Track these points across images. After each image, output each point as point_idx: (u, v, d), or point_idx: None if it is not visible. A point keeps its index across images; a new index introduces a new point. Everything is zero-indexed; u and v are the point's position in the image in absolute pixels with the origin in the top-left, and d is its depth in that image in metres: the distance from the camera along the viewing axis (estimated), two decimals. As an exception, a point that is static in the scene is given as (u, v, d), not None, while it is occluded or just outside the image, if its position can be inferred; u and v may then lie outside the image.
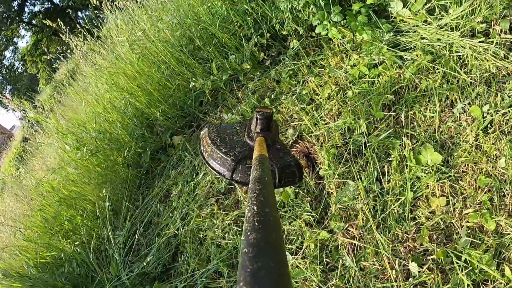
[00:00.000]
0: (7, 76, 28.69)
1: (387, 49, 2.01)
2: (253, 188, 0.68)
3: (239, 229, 1.91)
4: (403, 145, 1.68)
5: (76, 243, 2.46)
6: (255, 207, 0.58)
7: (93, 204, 2.73)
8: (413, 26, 2.05)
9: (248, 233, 0.49)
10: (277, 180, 1.36)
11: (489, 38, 1.78)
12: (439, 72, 1.80)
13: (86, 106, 3.15)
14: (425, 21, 2.02)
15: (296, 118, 2.06)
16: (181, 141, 2.68)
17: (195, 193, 2.27)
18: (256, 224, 0.52)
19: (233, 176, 1.36)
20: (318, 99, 2.09)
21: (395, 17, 2.11)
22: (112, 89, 2.95)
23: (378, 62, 2.02)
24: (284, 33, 2.50)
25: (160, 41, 2.83)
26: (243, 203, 1.99)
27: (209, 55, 2.72)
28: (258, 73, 2.56)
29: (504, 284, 1.22)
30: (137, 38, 2.90)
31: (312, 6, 2.26)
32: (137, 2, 3.60)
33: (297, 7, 2.31)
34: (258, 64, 2.61)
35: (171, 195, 2.43)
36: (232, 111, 2.48)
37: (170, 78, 2.76)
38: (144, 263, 2.14)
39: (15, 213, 3.44)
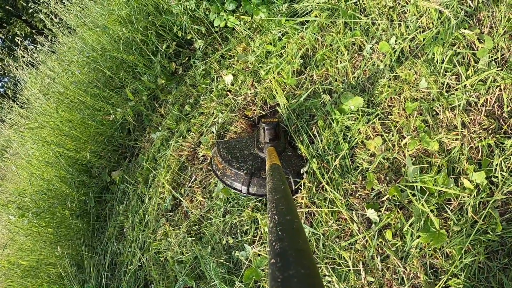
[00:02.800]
0: None
1: (286, 19, 1.91)
2: (271, 199, 0.68)
3: (194, 238, 1.74)
4: (324, 102, 1.57)
5: (51, 312, 2.21)
6: (276, 217, 0.57)
7: (55, 265, 2.47)
8: (305, -10, 1.97)
9: (273, 244, 0.48)
10: (293, 187, 1.35)
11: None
12: (339, 23, 1.71)
13: (18, 171, 2.88)
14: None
15: (217, 114, 1.93)
16: (120, 175, 2.48)
17: (146, 220, 2.07)
18: (280, 233, 0.51)
19: (249, 189, 1.36)
20: (233, 89, 1.96)
21: (287, -12, 2.04)
22: (39, 145, 2.71)
23: (281, 35, 1.92)
24: (189, 37, 2.37)
25: (72, 83, 2.63)
26: (191, 211, 1.82)
27: (122, 82, 2.54)
28: (174, 84, 2.41)
29: (468, 196, 1.10)
30: (49, 87, 2.68)
31: (205, 3, 2.15)
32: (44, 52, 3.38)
33: (191, 8, 2.19)
34: (172, 76, 2.46)
35: (125, 230, 2.22)
36: (159, 128, 2.31)
37: (91, 117, 2.56)
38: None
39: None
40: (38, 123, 2.72)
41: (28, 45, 3.33)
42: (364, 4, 1.69)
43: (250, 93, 1.85)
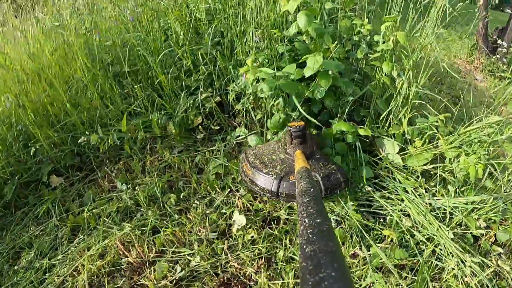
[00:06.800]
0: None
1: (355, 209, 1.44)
2: (300, 202, 0.71)
3: None
4: None
5: None
6: (306, 220, 0.59)
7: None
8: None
9: (304, 247, 0.50)
10: (323, 189, 1.40)
11: None
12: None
13: None
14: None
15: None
16: (60, 185, 2.03)
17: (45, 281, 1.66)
18: (310, 236, 0.53)
19: (279, 194, 1.40)
20: (237, 235, 1.50)
21: None
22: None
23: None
24: (238, 108, 1.87)
25: (85, 43, 2.12)
26: None
27: (134, 93, 2.04)
28: (182, 145, 1.92)
29: None
30: (60, 24, 2.16)
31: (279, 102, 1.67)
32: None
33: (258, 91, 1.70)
34: (187, 132, 1.96)
35: (19, 261, 1.81)
36: (129, 184, 1.87)
37: (78, 95, 2.07)
38: None
39: None
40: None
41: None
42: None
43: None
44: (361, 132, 1.56)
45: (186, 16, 2.07)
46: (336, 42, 1.56)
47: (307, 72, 1.49)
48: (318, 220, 0.57)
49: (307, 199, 0.70)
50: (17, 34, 2.34)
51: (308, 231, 0.54)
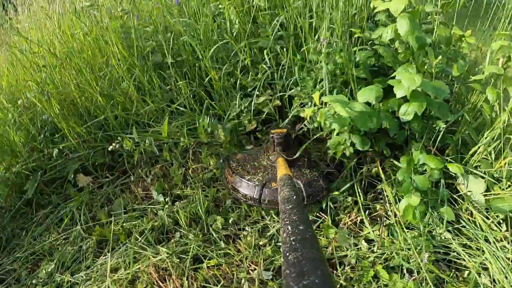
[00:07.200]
0: None
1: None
2: (283, 209, 0.71)
3: None
4: None
5: None
6: (289, 227, 0.58)
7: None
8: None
9: (287, 254, 0.50)
10: (305, 196, 1.39)
11: None
12: None
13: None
14: None
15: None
16: (88, 185, 1.79)
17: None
18: (293, 243, 0.52)
19: (261, 200, 1.40)
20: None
21: None
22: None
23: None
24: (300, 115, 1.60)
25: (121, 27, 1.84)
26: None
27: (177, 88, 1.76)
28: (238, 150, 1.67)
29: None
30: (91, 4, 1.88)
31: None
32: None
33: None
34: (238, 141, 1.69)
35: (38, 270, 1.59)
36: (166, 195, 1.64)
37: (112, 86, 1.81)
38: None
39: None
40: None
41: None
42: None
43: None
44: (452, 168, 1.26)
45: (242, 2, 1.77)
46: (438, 57, 1.24)
47: (399, 92, 1.20)
48: (301, 227, 0.58)
49: (290, 206, 0.71)
50: (44, 16, 2.08)
51: (291, 238, 0.54)
